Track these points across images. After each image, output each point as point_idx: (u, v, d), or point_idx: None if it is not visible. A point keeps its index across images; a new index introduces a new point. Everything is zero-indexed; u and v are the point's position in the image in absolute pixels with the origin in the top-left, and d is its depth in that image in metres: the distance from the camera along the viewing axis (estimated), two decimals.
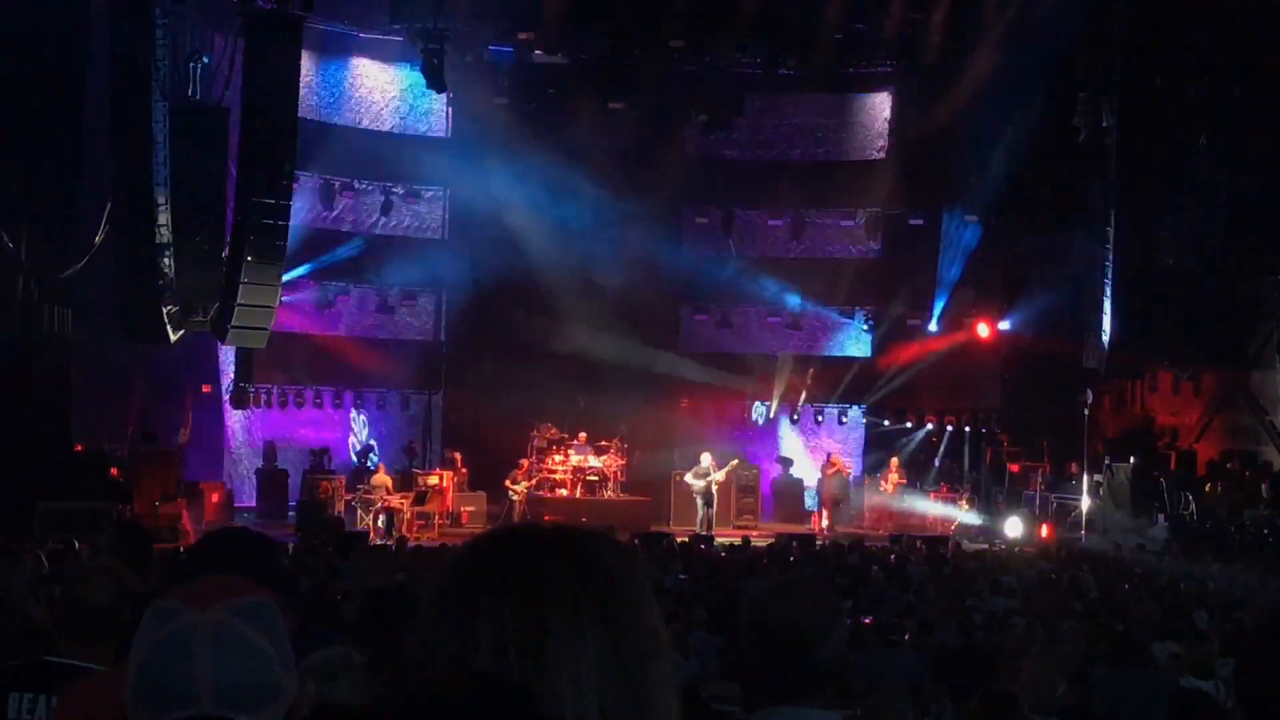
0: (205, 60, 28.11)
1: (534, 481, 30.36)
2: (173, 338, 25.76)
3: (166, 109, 25.37)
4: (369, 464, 30.18)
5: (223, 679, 2.37)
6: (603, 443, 30.89)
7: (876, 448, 34.06)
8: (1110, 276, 30.21)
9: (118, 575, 4.99)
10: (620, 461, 30.96)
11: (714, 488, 29.49)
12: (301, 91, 27.41)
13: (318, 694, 3.33)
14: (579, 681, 1.77)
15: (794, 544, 24.27)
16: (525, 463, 30.60)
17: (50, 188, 25.26)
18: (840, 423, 35.68)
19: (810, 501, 32.98)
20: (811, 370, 35.58)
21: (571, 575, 1.85)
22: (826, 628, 3.27)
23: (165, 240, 25.18)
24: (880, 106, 35.37)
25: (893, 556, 22.36)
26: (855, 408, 35.75)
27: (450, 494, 29.45)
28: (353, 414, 33.87)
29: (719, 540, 25.74)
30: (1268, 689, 2.79)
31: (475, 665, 1.76)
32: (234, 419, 32.27)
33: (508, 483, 30.23)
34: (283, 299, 27.41)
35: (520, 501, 29.85)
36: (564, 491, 30.42)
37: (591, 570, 1.87)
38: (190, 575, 3.80)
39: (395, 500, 28.19)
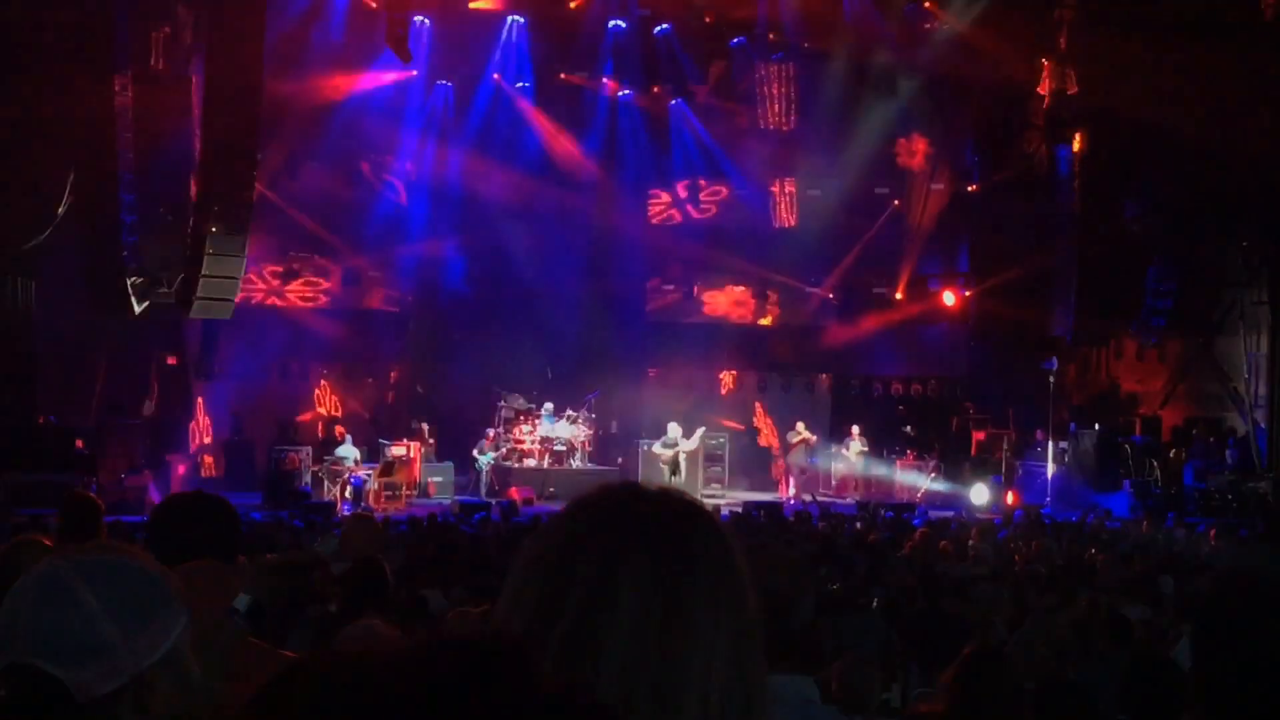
0: (167, 29, 27.89)
1: (502, 452, 30.34)
2: (137, 309, 25.60)
3: (129, 78, 25.18)
4: (335, 435, 30.09)
5: (37, 628, 2.34)
6: (570, 413, 30.88)
7: (842, 416, 34.11)
8: (1076, 243, 30.33)
9: (46, 547, 4.92)
10: (588, 431, 30.96)
11: (681, 457, 29.51)
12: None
13: None
14: (709, 672, 1.65)
15: (761, 511, 24.32)
16: (493, 433, 30.57)
17: (11, 159, 25.05)
18: (808, 391, 35.76)
19: (776, 470, 33.07)
20: (777, 338, 35.68)
21: (721, 554, 1.73)
22: (797, 593, 3.28)
23: (129, 211, 25.02)
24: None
25: (859, 524, 22.42)
26: (822, 375, 35.85)
27: (417, 465, 29.41)
28: (318, 385, 33.79)
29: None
30: (1222, 653, 2.79)
31: (606, 638, 1.62)
32: (200, 391, 32.14)
33: (475, 453, 30.22)
34: (248, 269, 27.28)
35: (488, 472, 29.83)
36: (531, 461, 30.41)
37: (735, 553, 1.75)
38: (157, 541, 3.77)
39: (362, 471, 28.13)
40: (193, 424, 31.42)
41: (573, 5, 33.40)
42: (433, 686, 1.25)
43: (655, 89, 34.92)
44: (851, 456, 31.49)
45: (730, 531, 1.78)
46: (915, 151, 35.15)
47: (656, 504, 1.76)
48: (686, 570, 1.67)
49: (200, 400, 32.04)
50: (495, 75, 34.12)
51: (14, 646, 2.34)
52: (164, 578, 2.49)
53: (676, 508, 1.75)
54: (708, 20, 34.00)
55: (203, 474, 30.12)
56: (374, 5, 31.04)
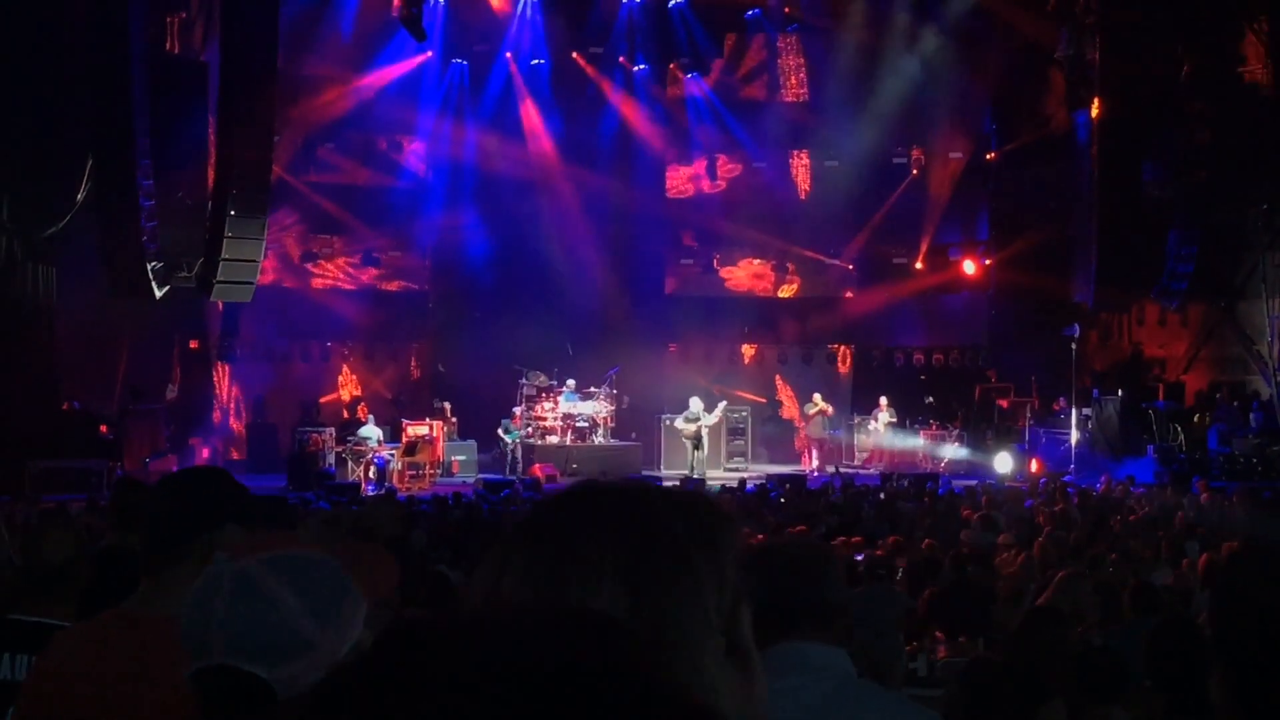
0: (184, 14, 27.94)
1: (529, 431, 30.37)
2: (158, 294, 25.67)
3: (146, 64, 25.21)
4: (358, 415, 30.14)
5: (235, 629, 2.36)
6: (591, 389, 30.88)
7: (865, 387, 34.06)
8: (1096, 209, 30.21)
9: (77, 532, 4.95)
10: (609, 407, 30.97)
11: (704, 431, 29.49)
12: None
13: None
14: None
15: (786, 485, 24.33)
16: (519, 411, 30.63)
17: (31, 146, 25.12)
18: (829, 363, 35.76)
19: (799, 442, 33.06)
20: (798, 311, 35.69)
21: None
22: (825, 564, 3.30)
23: (147, 196, 25.06)
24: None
25: (883, 495, 22.42)
26: (843, 347, 35.83)
27: (440, 444, 29.44)
28: (340, 366, 33.87)
29: (712, 483, 25.78)
30: (1239, 620, 2.79)
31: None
32: (222, 374, 32.24)
33: (501, 431, 30.28)
34: (267, 252, 27.32)
35: (513, 449, 29.88)
36: (554, 438, 30.43)
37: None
38: (151, 519, 3.76)
39: (385, 451, 28.18)
40: (216, 407, 31.49)
41: None
42: (566, 658, 1.25)
43: (671, 64, 34.89)
44: (881, 428, 31.45)
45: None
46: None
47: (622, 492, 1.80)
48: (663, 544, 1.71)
49: (222, 383, 32.13)
50: (510, 53, 34.09)
51: (214, 649, 2.35)
52: (341, 566, 2.52)
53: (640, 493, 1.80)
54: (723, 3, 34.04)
55: (226, 457, 30.18)
56: None
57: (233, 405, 32.11)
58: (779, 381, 35.57)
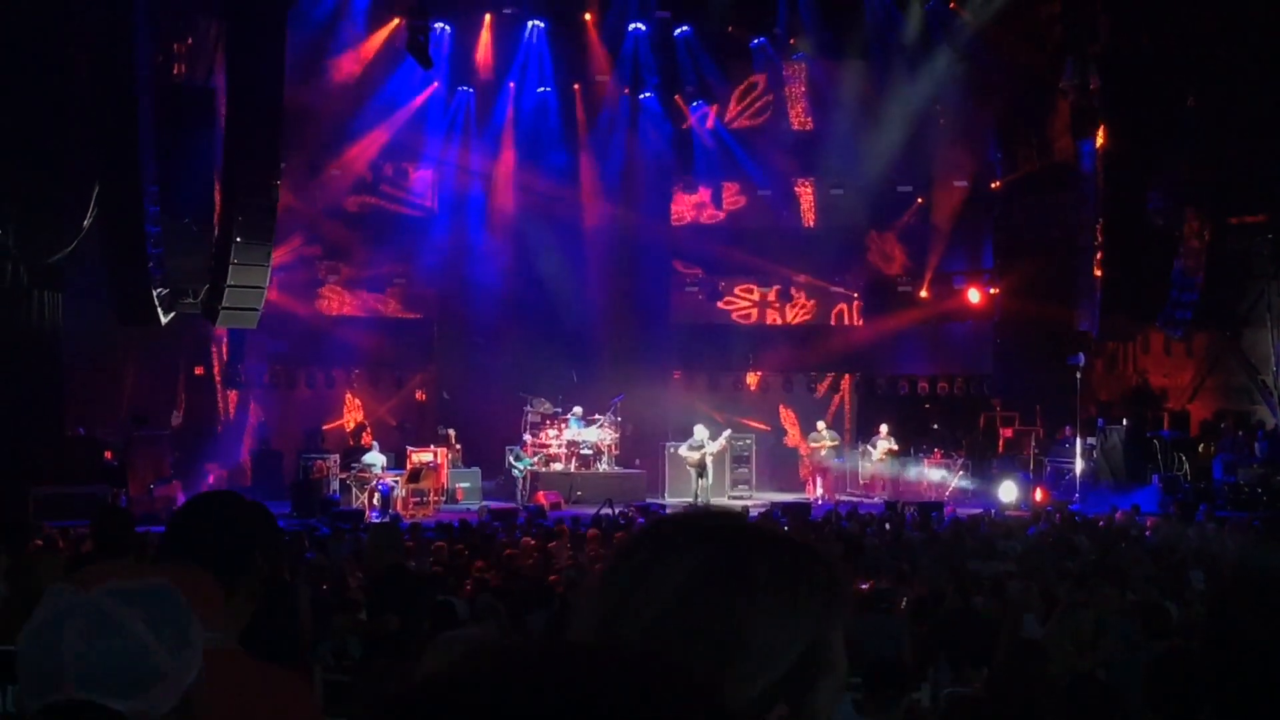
0: (190, 40, 28.01)
1: (537, 461, 30.36)
2: (163, 320, 25.68)
3: (152, 91, 25.27)
4: (362, 442, 30.15)
5: (88, 662, 2.31)
6: (596, 416, 30.88)
7: (870, 415, 34.04)
8: (1100, 238, 30.24)
9: (72, 559, 4.93)
10: (614, 434, 30.96)
11: (708, 459, 29.46)
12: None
13: None
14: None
15: (789, 514, 24.30)
16: (528, 441, 30.65)
17: (37, 173, 25.16)
18: (834, 391, 35.77)
19: (803, 470, 33.01)
20: (802, 338, 35.69)
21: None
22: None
23: (153, 223, 25.09)
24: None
25: (887, 524, 22.39)
26: (847, 375, 35.83)
27: (445, 471, 29.42)
28: (345, 393, 33.88)
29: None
30: (1232, 650, 2.80)
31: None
32: (227, 400, 32.26)
33: (510, 459, 30.30)
34: (273, 279, 27.34)
35: (524, 478, 29.87)
36: (558, 465, 30.43)
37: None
38: (174, 545, 3.76)
39: (389, 478, 28.18)
40: (220, 434, 31.46)
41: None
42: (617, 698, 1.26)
43: (676, 92, 34.97)
44: (879, 455, 31.40)
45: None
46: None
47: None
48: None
49: (227, 410, 32.15)
50: (518, 79, 34.17)
51: (64, 683, 2.31)
52: (181, 593, 2.49)
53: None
54: (730, 30, 34.17)
55: (231, 484, 30.15)
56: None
57: (237, 432, 32.08)
58: (783, 409, 35.56)
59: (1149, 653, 8.29)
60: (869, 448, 31.82)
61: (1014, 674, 5.22)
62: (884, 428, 31.66)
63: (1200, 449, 29.79)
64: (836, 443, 32.03)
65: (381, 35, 32.40)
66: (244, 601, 3.68)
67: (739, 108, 35.91)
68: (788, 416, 35.48)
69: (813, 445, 31.98)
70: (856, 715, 3.12)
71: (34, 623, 2.38)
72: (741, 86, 35.69)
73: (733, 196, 36.23)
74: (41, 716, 2.34)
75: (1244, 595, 2.84)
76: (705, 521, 1.86)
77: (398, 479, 28.16)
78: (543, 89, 34.39)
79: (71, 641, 2.33)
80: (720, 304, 36.29)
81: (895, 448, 31.37)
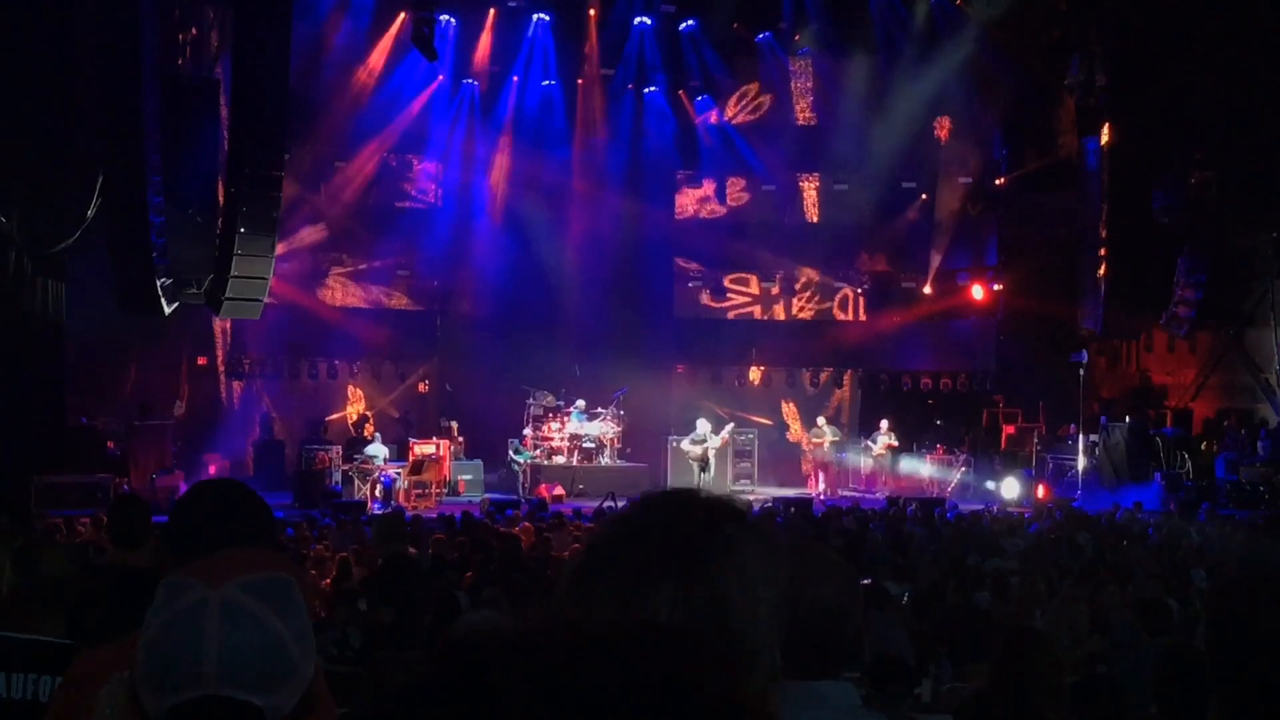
0: (195, 30, 27.99)
1: (539, 454, 30.38)
2: (167, 310, 25.66)
3: (156, 81, 25.24)
4: (365, 434, 30.16)
5: (230, 658, 2.29)
6: (598, 410, 30.89)
7: (873, 410, 34.04)
8: (1104, 236, 30.23)
9: (79, 548, 4.90)
10: (616, 428, 30.96)
11: (710, 453, 29.47)
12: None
13: None
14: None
15: (791, 509, 24.29)
16: (529, 433, 30.66)
17: (41, 161, 25.15)
18: (837, 386, 35.78)
19: (806, 465, 33.01)
20: (806, 333, 35.69)
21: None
22: (856, 604, 3.31)
23: (157, 212, 25.08)
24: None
25: (889, 520, 22.38)
26: (850, 371, 35.83)
27: (447, 463, 29.43)
28: (348, 384, 33.88)
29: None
30: (1235, 647, 2.79)
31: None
32: (230, 390, 32.27)
33: (511, 452, 30.30)
34: (276, 269, 27.33)
35: (524, 471, 29.89)
36: (560, 459, 30.43)
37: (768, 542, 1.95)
38: (180, 534, 3.74)
39: (391, 470, 28.20)
40: (223, 424, 31.46)
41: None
42: (634, 672, 1.26)
43: (681, 87, 34.96)
44: (879, 450, 31.41)
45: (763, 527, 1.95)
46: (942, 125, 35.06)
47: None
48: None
49: (229, 400, 32.18)
50: (523, 72, 34.15)
51: (205, 680, 2.29)
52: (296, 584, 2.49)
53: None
54: (734, 26, 34.19)
55: (233, 474, 30.15)
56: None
57: (240, 422, 32.08)
58: (786, 404, 35.58)
59: (1151, 649, 8.29)
60: (870, 443, 31.83)
61: (1015, 663, 5.21)
62: (884, 423, 31.68)
63: (1203, 447, 29.78)
64: (838, 438, 32.06)
65: (386, 27, 32.38)
66: (312, 589, 3.67)
67: (744, 103, 35.90)
68: (790, 412, 35.50)
69: (814, 440, 32.02)
70: (861, 709, 3.12)
71: (163, 618, 2.34)
72: (746, 82, 35.68)
73: (737, 191, 36.21)
74: (173, 714, 2.32)
75: (1250, 592, 2.83)
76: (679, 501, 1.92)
77: (400, 471, 28.18)
78: (547, 82, 34.38)
79: (212, 637, 2.30)
80: (724, 298, 36.26)
81: (895, 443, 31.37)
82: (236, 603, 2.33)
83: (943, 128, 34.80)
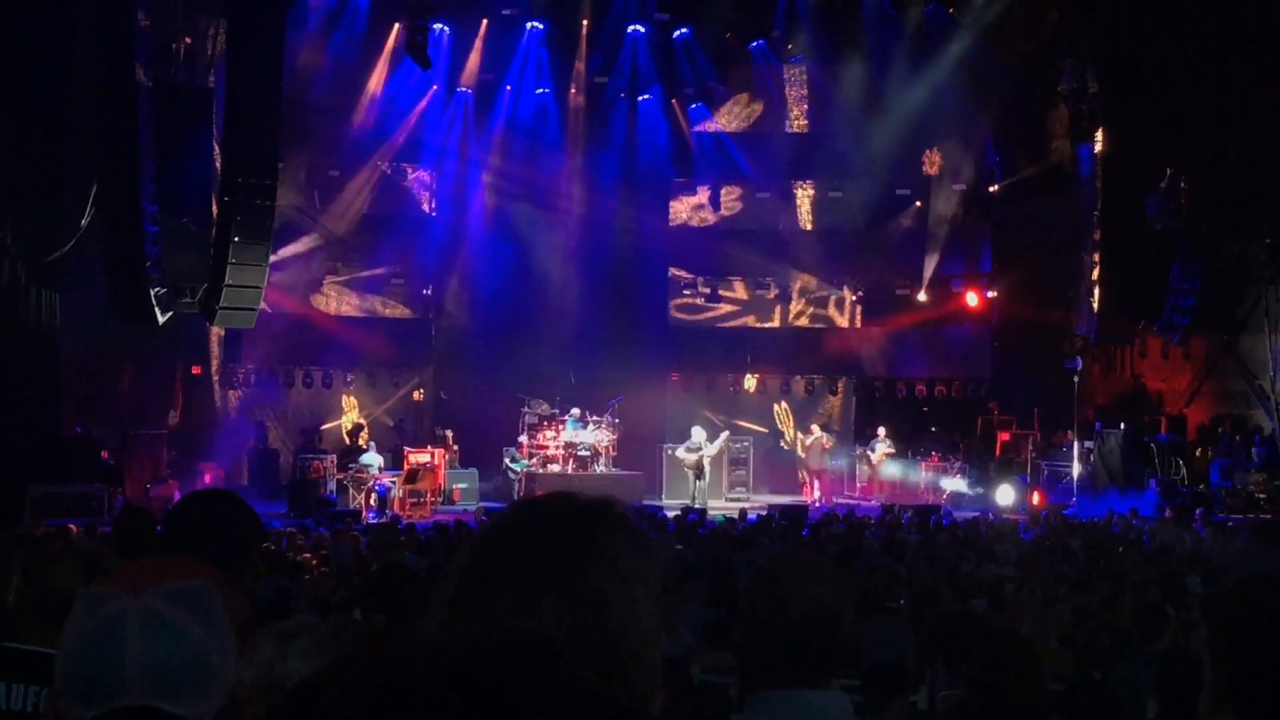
0: (189, 40, 28.00)
1: (534, 462, 30.35)
2: (161, 319, 25.67)
3: (150, 90, 25.25)
4: (360, 443, 30.13)
5: (151, 667, 2.29)
6: (593, 418, 30.87)
7: (867, 417, 34.07)
8: (1098, 242, 30.26)
9: (88, 559, 4.90)
10: (611, 436, 30.94)
11: (706, 461, 29.46)
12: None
13: (274, 654, 3.29)
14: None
15: (787, 516, 24.26)
16: (524, 441, 30.64)
17: (35, 171, 25.15)
18: (831, 393, 35.77)
19: (801, 473, 33.01)
20: (801, 341, 35.71)
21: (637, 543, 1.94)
22: (841, 605, 3.30)
23: (151, 222, 25.08)
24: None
25: (884, 526, 22.36)
26: (845, 378, 35.82)
27: (442, 471, 29.39)
28: (342, 393, 33.85)
29: (713, 513, 25.72)
30: (1240, 655, 2.79)
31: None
32: (224, 400, 32.24)
33: (507, 460, 30.28)
34: (270, 279, 27.31)
35: (520, 479, 29.86)
36: (555, 467, 30.41)
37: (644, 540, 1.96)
38: (171, 544, 3.75)
39: (386, 478, 28.17)
40: (218, 433, 31.43)
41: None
42: (476, 680, 1.27)
43: (675, 94, 34.97)
44: (878, 458, 31.42)
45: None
46: (934, 162, 35.14)
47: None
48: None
49: (224, 409, 32.15)
50: (516, 81, 34.14)
51: (127, 690, 2.29)
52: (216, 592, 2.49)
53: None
54: (726, 35, 34.24)
55: (228, 483, 30.10)
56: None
57: (235, 431, 32.03)
58: (781, 411, 35.57)
59: (1148, 655, 8.29)
60: (868, 450, 31.83)
61: (993, 669, 5.20)
62: (882, 430, 31.70)
63: (1197, 453, 29.82)
64: (832, 445, 32.05)
65: (381, 37, 32.39)
66: (241, 597, 3.67)
67: (738, 110, 35.93)
68: (785, 419, 35.49)
69: (809, 447, 32.01)
70: (857, 717, 3.12)
71: (83, 628, 2.34)
72: (740, 89, 35.72)
73: (731, 199, 36.22)
74: None
75: (1261, 598, 2.84)
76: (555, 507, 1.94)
77: (395, 479, 28.15)
78: (541, 91, 34.37)
79: (133, 646, 2.30)
80: (718, 306, 36.26)
81: (893, 450, 31.39)
82: (156, 612, 2.33)
83: (933, 163, 34.90)
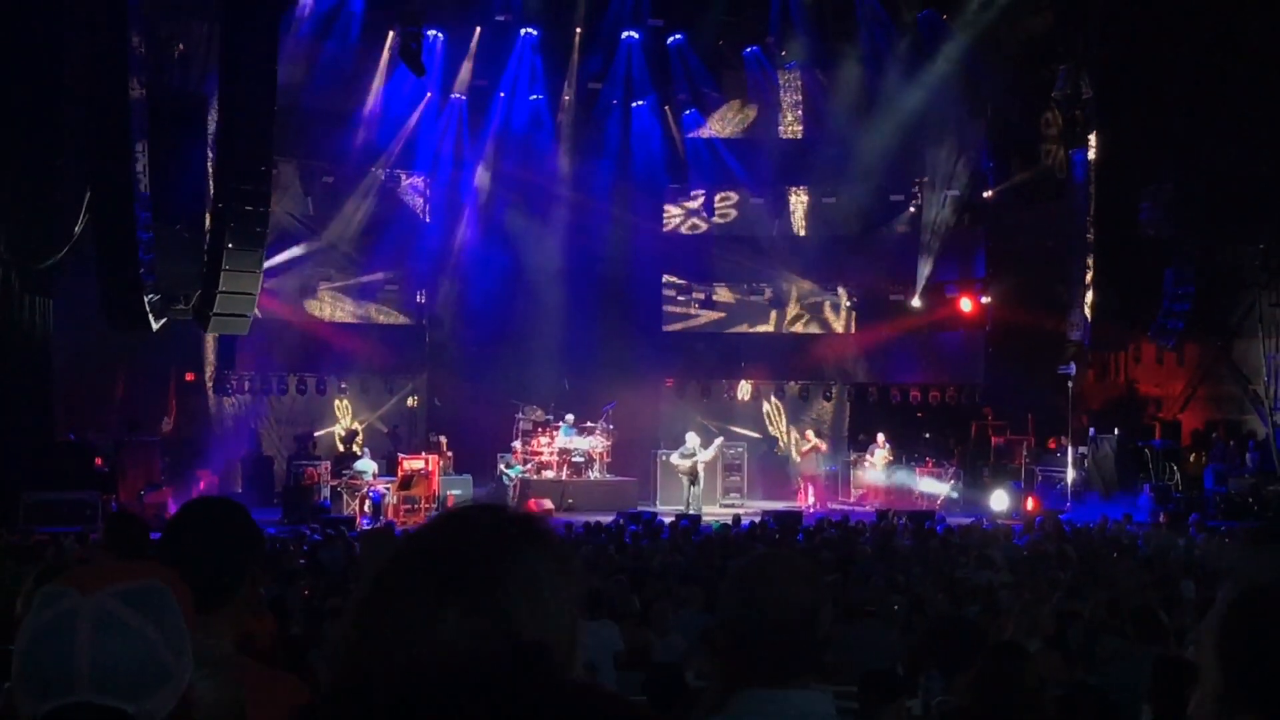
0: (182, 46, 27.97)
1: (529, 468, 30.35)
2: (154, 326, 25.59)
3: (144, 96, 25.22)
4: (354, 449, 30.10)
5: (102, 665, 2.29)
6: (587, 424, 30.88)
7: (862, 423, 34.07)
8: (1092, 248, 30.28)
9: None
10: (605, 442, 30.94)
11: (700, 467, 29.48)
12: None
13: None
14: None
15: (781, 522, 24.26)
16: (518, 447, 30.64)
17: (28, 177, 25.11)
18: (825, 399, 35.76)
19: (795, 479, 33.01)
20: (795, 346, 35.72)
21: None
22: (822, 602, 3.28)
23: (145, 229, 25.04)
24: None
25: (879, 531, 22.36)
26: (839, 383, 35.83)
27: (436, 478, 29.37)
28: (336, 399, 33.81)
29: (707, 519, 25.72)
30: (1246, 661, 2.79)
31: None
32: (218, 406, 32.20)
33: (502, 466, 30.27)
34: (264, 285, 27.28)
35: (514, 485, 29.86)
36: (550, 473, 30.41)
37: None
38: (171, 553, 3.73)
39: (381, 485, 28.15)
40: (211, 440, 31.39)
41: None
42: (468, 682, 1.29)
43: (669, 100, 34.99)
44: (878, 465, 31.43)
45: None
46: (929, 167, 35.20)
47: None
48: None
49: (218, 416, 32.10)
50: (511, 87, 34.15)
51: (76, 687, 2.29)
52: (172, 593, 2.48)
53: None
54: (720, 42, 34.30)
55: (221, 490, 30.06)
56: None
57: (228, 438, 32.00)
58: (776, 417, 35.57)
59: (1143, 659, 8.28)
60: (867, 456, 31.85)
61: (998, 680, 5.19)
62: (880, 436, 31.72)
63: (1191, 459, 29.86)
64: (825, 451, 32.05)
65: (375, 43, 32.37)
66: (240, 607, 3.66)
67: (732, 116, 35.97)
68: (779, 425, 35.49)
69: (803, 452, 32.02)
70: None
71: (35, 625, 2.34)
72: (734, 95, 35.76)
73: (725, 205, 36.24)
74: None
75: (1267, 603, 2.84)
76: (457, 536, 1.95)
77: (389, 486, 28.12)
78: (535, 97, 34.39)
79: (83, 644, 2.30)
80: (712, 311, 36.27)
81: (891, 456, 31.42)
82: (108, 610, 2.33)
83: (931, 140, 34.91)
